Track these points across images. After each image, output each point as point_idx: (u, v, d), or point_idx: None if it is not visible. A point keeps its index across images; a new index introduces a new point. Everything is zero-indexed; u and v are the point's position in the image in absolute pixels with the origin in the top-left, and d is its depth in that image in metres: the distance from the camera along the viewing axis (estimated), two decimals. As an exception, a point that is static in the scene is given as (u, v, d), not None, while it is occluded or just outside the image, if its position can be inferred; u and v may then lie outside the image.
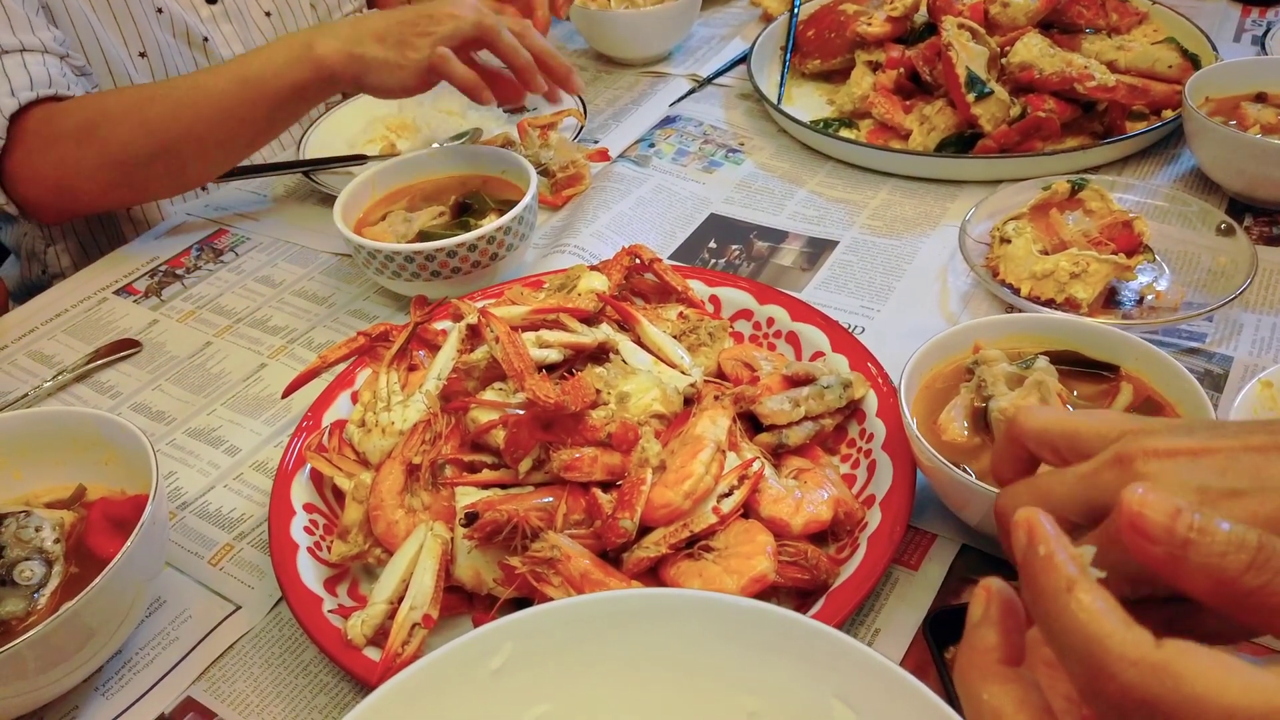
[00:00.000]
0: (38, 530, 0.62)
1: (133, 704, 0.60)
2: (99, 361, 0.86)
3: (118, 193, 1.00)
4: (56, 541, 0.62)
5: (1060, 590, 0.29)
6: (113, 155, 0.94)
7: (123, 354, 0.88)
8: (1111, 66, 1.00)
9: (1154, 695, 0.27)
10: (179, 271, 0.99)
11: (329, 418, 0.73)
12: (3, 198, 0.97)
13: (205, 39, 1.18)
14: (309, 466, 0.68)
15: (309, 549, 0.64)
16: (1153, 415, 0.62)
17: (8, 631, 0.58)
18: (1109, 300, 0.79)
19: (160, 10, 1.13)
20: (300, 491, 0.67)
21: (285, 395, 0.78)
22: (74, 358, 0.88)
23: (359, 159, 1.09)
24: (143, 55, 1.13)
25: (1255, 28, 1.17)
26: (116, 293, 0.97)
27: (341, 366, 0.77)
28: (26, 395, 0.83)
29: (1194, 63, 1.00)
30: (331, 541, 0.64)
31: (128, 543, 0.57)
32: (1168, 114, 0.97)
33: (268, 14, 1.25)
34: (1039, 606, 0.30)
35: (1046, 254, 0.80)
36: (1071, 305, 0.76)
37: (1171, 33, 1.09)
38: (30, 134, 0.94)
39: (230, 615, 0.65)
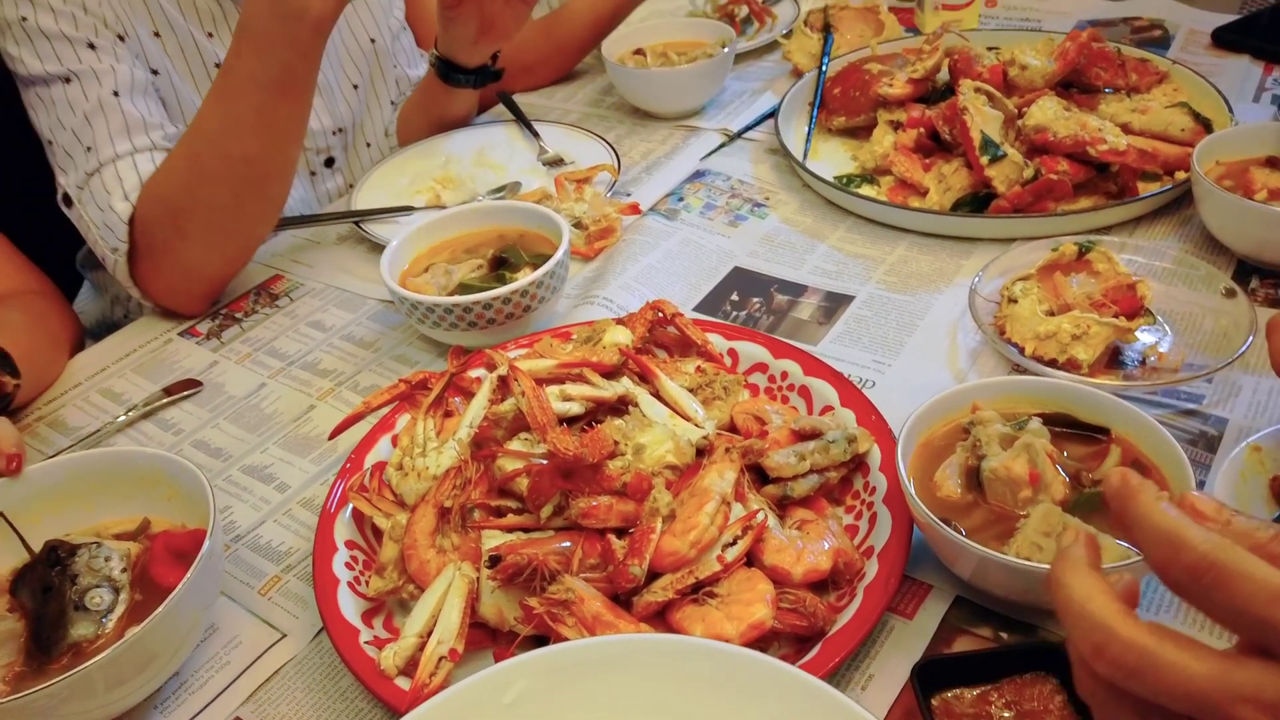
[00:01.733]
0: (107, 560, 0.68)
1: (187, 722, 0.66)
2: (164, 400, 0.94)
3: (228, 249, 1.05)
4: (123, 571, 0.69)
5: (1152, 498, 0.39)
6: (206, 214, 1.00)
7: (185, 393, 0.95)
8: (1126, 129, 1.04)
9: (1224, 560, 0.35)
10: (238, 315, 1.07)
11: (370, 459, 0.79)
12: (149, 303, 1.06)
13: None
14: (351, 506, 0.74)
15: (349, 583, 0.70)
16: (1141, 476, 0.65)
17: (79, 653, 0.65)
18: (1112, 360, 0.83)
19: None
20: (342, 529, 0.73)
21: (331, 437, 0.84)
22: (141, 395, 0.95)
23: (406, 210, 1.16)
24: None
25: (1276, 86, 1.20)
26: (181, 334, 1.05)
27: (384, 411, 0.83)
28: (98, 431, 0.90)
29: (1206, 126, 1.03)
30: (369, 577, 0.70)
31: (187, 574, 0.63)
32: (1180, 175, 1.00)
33: (355, 86, 1.32)
34: (1129, 512, 0.39)
35: (1052, 314, 0.83)
36: (1073, 366, 0.80)
37: (1190, 93, 1.12)
38: (143, 232, 1.01)
39: (277, 643, 0.71)
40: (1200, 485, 0.68)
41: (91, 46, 1.06)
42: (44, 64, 1.05)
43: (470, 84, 1.22)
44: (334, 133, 1.31)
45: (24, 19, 1.05)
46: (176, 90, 1.14)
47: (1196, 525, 0.37)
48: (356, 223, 1.15)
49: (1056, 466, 0.66)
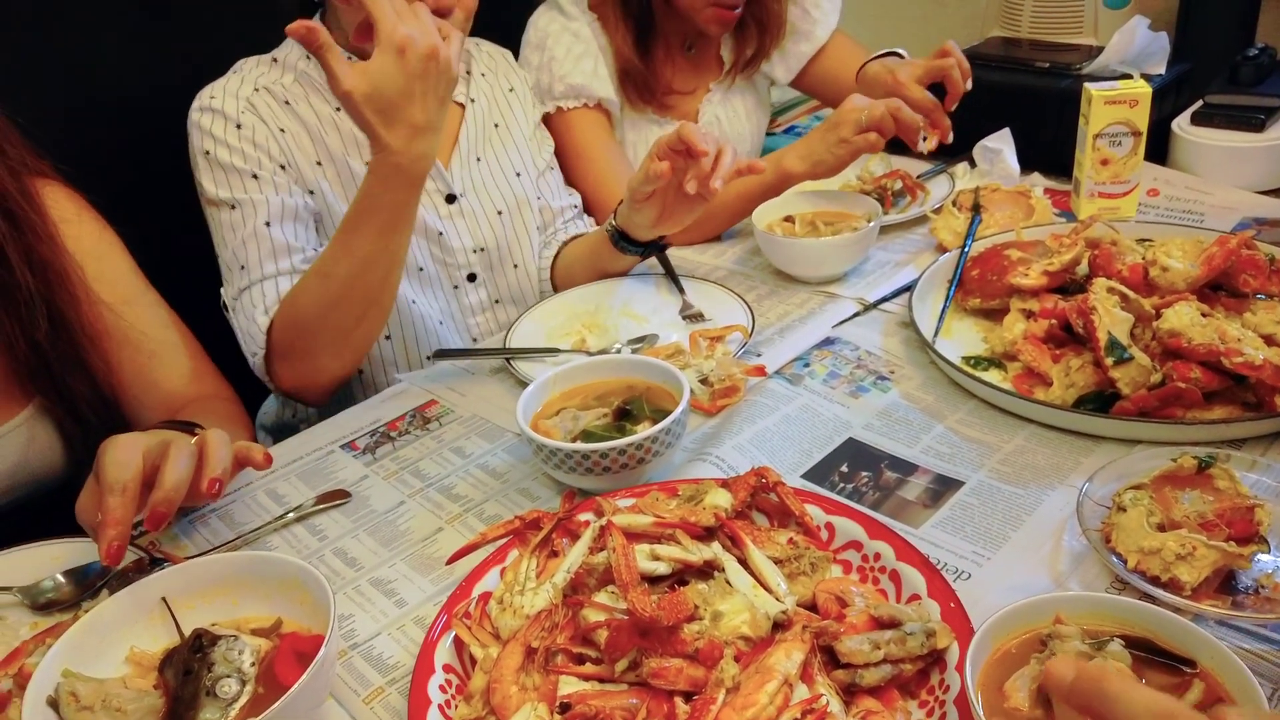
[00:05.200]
0: (240, 654, 0.78)
1: (282, 813, 0.73)
2: (315, 508, 1.05)
3: (345, 356, 1.27)
4: (252, 665, 0.78)
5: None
6: (331, 330, 1.22)
7: (335, 503, 1.06)
8: (1270, 340, 1.01)
9: None
10: (393, 434, 1.19)
11: (479, 588, 0.86)
12: (282, 395, 1.28)
13: (440, 233, 1.43)
14: (453, 632, 0.81)
15: (440, 705, 0.76)
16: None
17: (204, 734, 0.74)
18: (1223, 583, 0.80)
19: None
20: (443, 653, 0.80)
21: (449, 562, 0.92)
22: (300, 499, 1.07)
23: (552, 351, 1.27)
24: None
25: None
26: (342, 447, 1.17)
27: (499, 543, 0.91)
28: (257, 529, 1.02)
29: (1358, 346, 0.99)
30: (459, 702, 0.76)
31: (302, 677, 0.71)
32: (1328, 393, 0.96)
33: (499, 213, 1.48)
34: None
35: (1162, 528, 0.82)
36: (1176, 586, 0.78)
37: (1351, 304, 1.08)
38: (278, 340, 1.24)
39: (370, 750, 0.77)
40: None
41: (255, 177, 1.29)
42: (217, 190, 1.30)
43: (639, 254, 1.35)
44: (475, 251, 1.47)
45: (207, 152, 1.30)
46: (329, 206, 1.35)
47: None
48: (507, 359, 1.26)
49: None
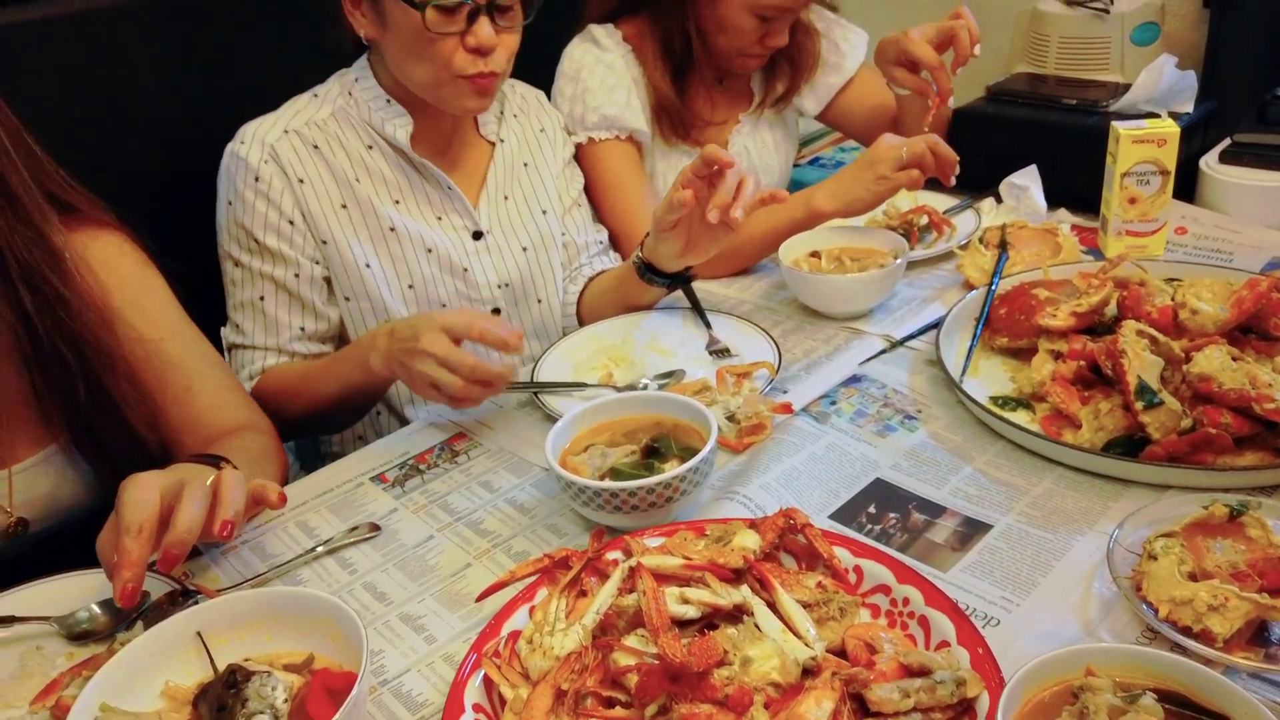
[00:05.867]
0: (273, 690, 0.78)
1: None
2: (346, 541, 1.06)
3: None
4: (285, 701, 0.79)
5: None
6: (287, 418, 1.34)
7: (365, 536, 1.07)
8: (1301, 385, 1.00)
9: None
10: (422, 467, 1.20)
11: (508, 627, 0.86)
12: None
13: (465, 269, 1.44)
14: (483, 671, 0.82)
15: (469, 745, 0.76)
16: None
17: (235, 770, 0.75)
18: (1256, 635, 0.79)
19: (430, 250, 1.41)
20: (472, 692, 0.80)
21: (479, 599, 0.93)
22: (330, 531, 1.09)
23: (580, 385, 1.28)
24: (410, 288, 1.42)
25: None
26: (372, 479, 1.19)
27: (527, 581, 0.91)
28: (288, 562, 1.04)
29: (1393, 392, 0.98)
30: (488, 742, 0.77)
31: (336, 716, 0.72)
32: (1362, 440, 0.96)
33: (524, 249, 1.50)
34: None
35: (1194, 578, 0.81)
36: (1207, 638, 0.77)
37: (1384, 350, 1.07)
38: (259, 401, 1.32)
39: (399, 789, 0.78)
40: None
41: (259, 244, 1.36)
42: (228, 245, 1.38)
43: (665, 285, 1.36)
44: (499, 286, 1.49)
45: (229, 203, 1.36)
46: (342, 252, 1.40)
47: None
48: (535, 393, 1.27)
49: None
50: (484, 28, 1.25)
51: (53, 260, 1.06)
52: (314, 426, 1.45)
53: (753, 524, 0.91)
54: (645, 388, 1.26)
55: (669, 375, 1.28)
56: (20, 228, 1.02)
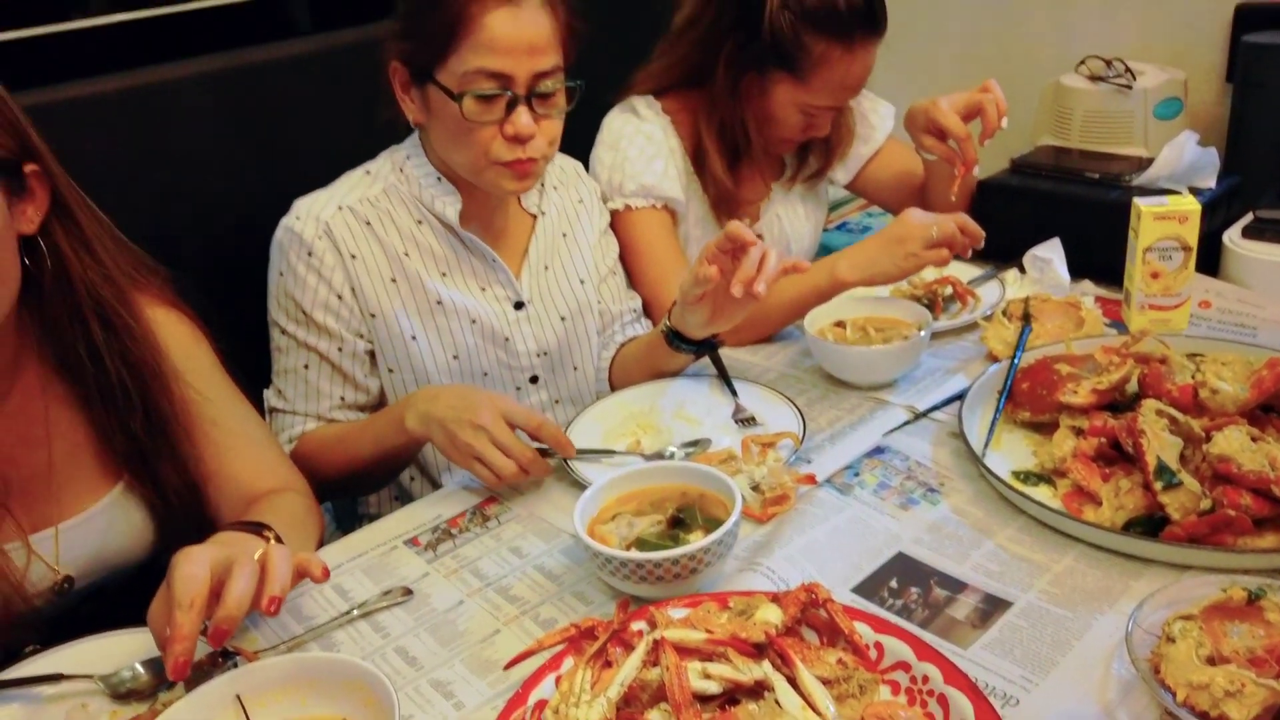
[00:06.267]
0: (309, 754, 0.81)
1: None
2: (379, 604, 1.09)
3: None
4: (319, 765, 0.82)
5: None
6: (323, 478, 1.39)
7: (398, 600, 1.10)
8: (1322, 467, 1.01)
9: None
10: (454, 531, 1.23)
11: (535, 696, 0.89)
12: None
13: (507, 339, 1.49)
14: (510, 739, 0.84)
15: (495, 814, 0.78)
16: None
17: (271, 833, 0.77)
18: (1276, 721, 0.80)
19: (474, 321, 1.46)
20: (499, 760, 0.83)
21: (506, 667, 0.95)
22: (365, 594, 1.12)
23: (608, 452, 1.31)
24: (455, 358, 1.46)
25: None
26: (405, 543, 1.22)
27: (554, 650, 0.94)
28: (322, 625, 1.07)
29: None
30: (513, 811, 0.79)
31: (365, 782, 0.75)
32: (1384, 523, 0.96)
33: (563, 318, 1.55)
34: None
35: (1212, 661, 0.82)
36: (1225, 724, 0.78)
37: (1407, 431, 1.08)
38: (296, 463, 1.36)
39: None
40: None
41: (308, 317, 1.41)
42: (276, 314, 1.44)
43: (693, 352, 1.40)
44: (538, 355, 1.54)
45: (281, 274, 1.42)
46: (390, 326, 1.44)
47: None
48: (564, 460, 1.30)
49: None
50: (522, 117, 1.31)
51: (119, 293, 1.14)
52: (348, 487, 1.49)
53: (775, 598, 0.93)
54: (672, 456, 1.28)
55: (695, 444, 1.30)
56: (92, 264, 1.11)
